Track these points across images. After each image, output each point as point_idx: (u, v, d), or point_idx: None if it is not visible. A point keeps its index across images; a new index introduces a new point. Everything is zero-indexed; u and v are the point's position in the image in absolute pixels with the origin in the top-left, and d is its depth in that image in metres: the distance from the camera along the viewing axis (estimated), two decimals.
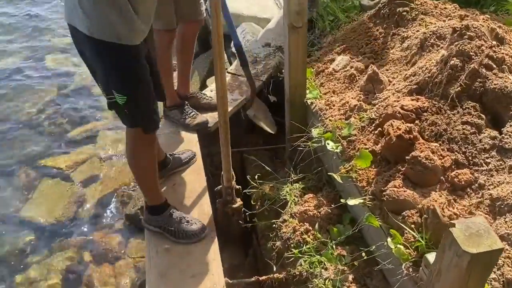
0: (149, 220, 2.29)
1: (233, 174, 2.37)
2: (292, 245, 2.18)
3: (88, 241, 3.77)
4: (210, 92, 3.26)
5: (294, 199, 2.39)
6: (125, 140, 2.10)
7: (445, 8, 2.62)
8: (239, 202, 2.45)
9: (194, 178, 2.60)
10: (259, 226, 2.60)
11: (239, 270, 3.03)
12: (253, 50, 3.65)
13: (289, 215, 2.30)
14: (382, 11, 2.76)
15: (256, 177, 2.57)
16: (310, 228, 2.18)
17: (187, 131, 2.95)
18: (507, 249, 1.46)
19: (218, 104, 2.05)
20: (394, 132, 1.86)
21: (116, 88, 1.80)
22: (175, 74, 3.02)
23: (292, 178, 2.51)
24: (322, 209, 2.20)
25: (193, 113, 2.96)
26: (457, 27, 1.99)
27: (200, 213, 2.40)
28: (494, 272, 1.43)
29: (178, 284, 2.00)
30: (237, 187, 2.45)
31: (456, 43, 1.95)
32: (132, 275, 3.49)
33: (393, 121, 1.91)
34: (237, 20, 4.56)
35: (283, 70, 3.13)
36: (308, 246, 2.11)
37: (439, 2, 2.66)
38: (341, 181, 2.10)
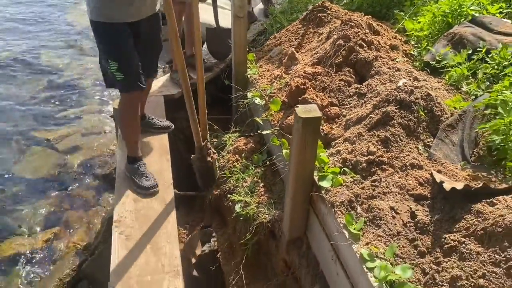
0: (127, 167, 2.93)
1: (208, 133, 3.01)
2: (225, 170, 2.99)
3: (67, 194, 4.49)
4: None
5: (231, 142, 3.22)
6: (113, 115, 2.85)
7: (352, 15, 3.57)
8: (215, 155, 2.99)
9: (158, 147, 3.32)
10: None
11: (190, 212, 3.81)
12: None
13: (226, 152, 3.13)
14: (308, 16, 3.70)
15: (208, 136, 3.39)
16: (239, 158, 3.00)
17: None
18: (347, 145, 2.31)
19: (180, 78, 2.62)
20: (294, 84, 2.74)
21: (109, 56, 2.47)
22: None
23: (232, 130, 3.35)
24: (248, 145, 3.04)
25: None
26: (343, 19, 2.92)
27: (158, 173, 3.13)
28: (337, 157, 2.28)
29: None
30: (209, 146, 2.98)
31: (341, 28, 2.87)
32: (101, 217, 4.21)
33: (295, 78, 2.79)
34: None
35: None
36: (236, 169, 2.93)
37: (349, 11, 3.61)
38: (261, 123, 2.95)
